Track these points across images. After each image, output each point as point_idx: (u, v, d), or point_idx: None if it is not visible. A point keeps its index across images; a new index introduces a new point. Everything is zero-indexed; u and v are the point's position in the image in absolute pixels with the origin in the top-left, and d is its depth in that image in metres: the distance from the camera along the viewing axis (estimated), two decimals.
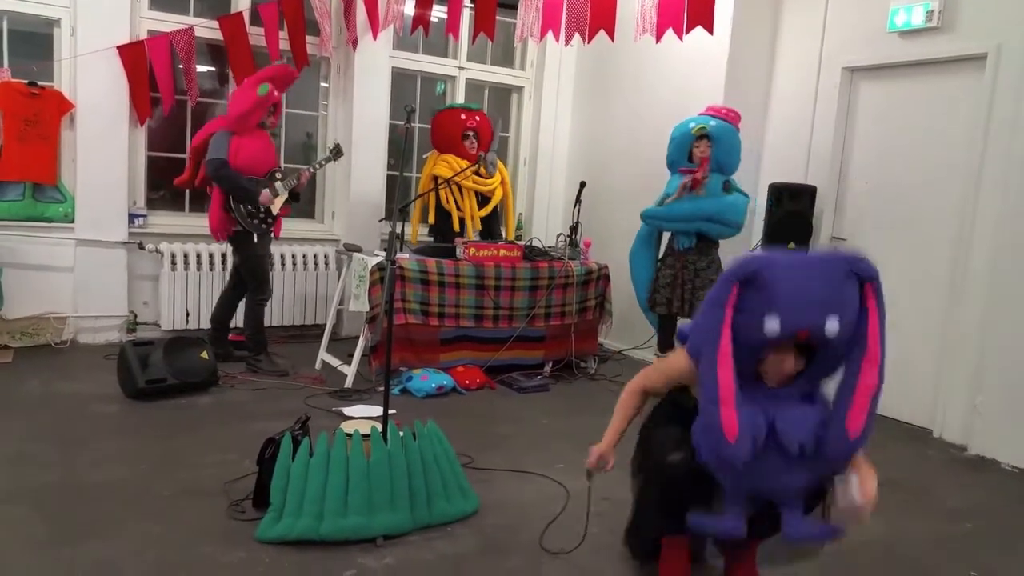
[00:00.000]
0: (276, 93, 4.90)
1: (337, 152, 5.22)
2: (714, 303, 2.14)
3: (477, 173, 5.65)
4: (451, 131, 5.73)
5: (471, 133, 5.70)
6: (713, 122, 4.90)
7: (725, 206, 4.89)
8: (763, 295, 2.05)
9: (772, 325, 2.04)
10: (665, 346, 5.16)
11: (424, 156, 6.38)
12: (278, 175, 4.96)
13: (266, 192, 4.86)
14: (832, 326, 2.04)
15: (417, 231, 6.00)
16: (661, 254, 5.24)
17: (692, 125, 4.94)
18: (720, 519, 2.27)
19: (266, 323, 5.16)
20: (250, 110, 4.76)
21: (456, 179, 5.54)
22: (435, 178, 5.63)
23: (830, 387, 2.24)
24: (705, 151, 4.87)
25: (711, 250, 5.00)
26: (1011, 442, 4.21)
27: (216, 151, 4.75)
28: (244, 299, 5.11)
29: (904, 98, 4.95)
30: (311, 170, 5.12)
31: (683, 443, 2.30)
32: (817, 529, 2.27)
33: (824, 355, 2.17)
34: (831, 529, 2.25)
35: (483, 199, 5.80)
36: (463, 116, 5.73)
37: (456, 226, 5.66)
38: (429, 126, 5.93)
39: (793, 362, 2.16)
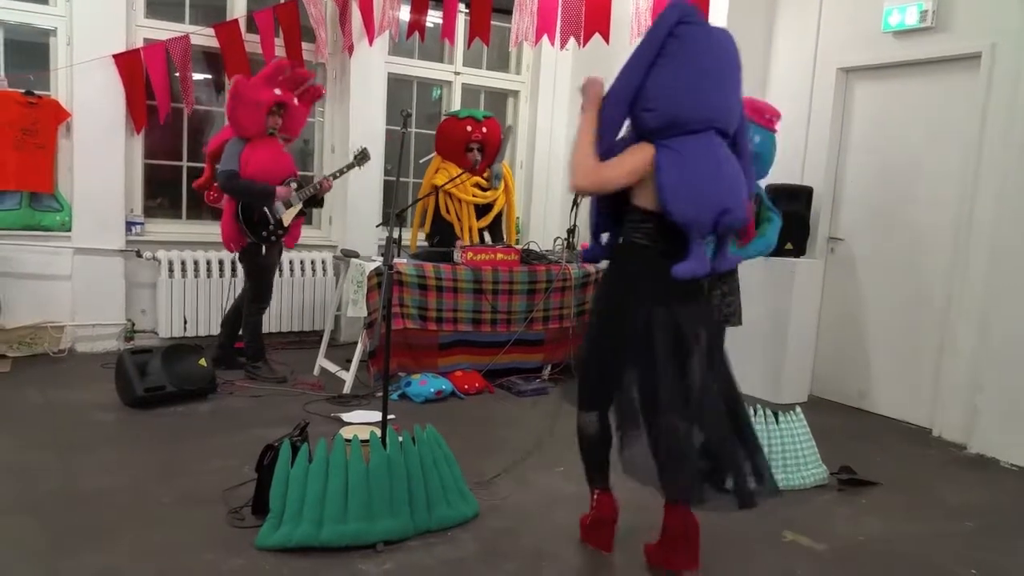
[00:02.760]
0: (277, 92, 4.73)
1: (362, 157, 5.05)
2: None
3: (479, 187, 5.62)
4: (455, 141, 5.59)
5: (475, 146, 5.56)
6: (758, 137, 4.22)
7: (766, 247, 4.38)
8: None
9: None
10: None
11: (422, 161, 6.38)
12: (293, 184, 4.88)
13: (282, 188, 4.75)
14: None
15: (416, 237, 5.97)
16: None
17: None
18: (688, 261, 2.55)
19: (265, 330, 5.15)
20: (231, 112, 4.65)
21: (455, 192, 5.49)
22: (435, 187, 5.56)
23: None
24: None
25: None
26: (1011, 440, 4.21)
27: (227, 162, 4.67)
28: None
29: (899, 98, 4.97)
30: (332, 177, 5.03)
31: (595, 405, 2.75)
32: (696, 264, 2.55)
33: None
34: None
35: (485, 208, 5.75)
36: (469, 128, 5.54)
37: (459, 235, 5.61)
38: (425, 131, 5.91)
39: None
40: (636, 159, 2.55)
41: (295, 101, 4.90)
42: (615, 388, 2.65)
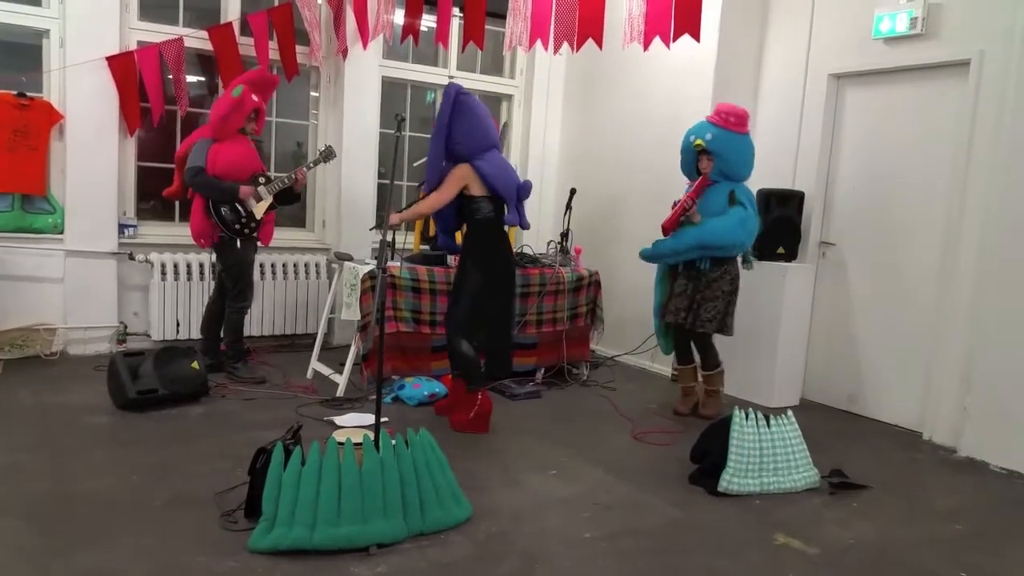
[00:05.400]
0: (255, 98, 4.87)
1: (328, 154, 5.12)
2: None
3: None
4: None
5: None
6: (710, 135, 4.57)
7: (711, 232, 4.52)
8: None
9: None
10: (683, 359, 4.94)
11: (416, 164, 6.38)
12: (261, 179, 4.93)
13: (246, 187, 4.82)
14: None
15: (419, 240, 5.93)
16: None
17: (692, 137, 4.66)
18: (508, 215, 4.41)
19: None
20: (226, 113, 4.75)
21: None
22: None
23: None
24: (707, 166, 4.60)
25: (724, 262, 4.62)
26: (1000, 444, 4.24)
27: (194, 159, 4.76)
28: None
29: (890, 104, 5.01)
30: (305, 169, 5.05)
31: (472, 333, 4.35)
32: (518, 218, 4.52)
33: None
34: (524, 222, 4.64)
35: None
36: None
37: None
38: (419, 135, 5.87)
39: None
40: (457, 178, 4.22)
41: (263, 105, 5.07)
42: (482, 320, 4.31)
